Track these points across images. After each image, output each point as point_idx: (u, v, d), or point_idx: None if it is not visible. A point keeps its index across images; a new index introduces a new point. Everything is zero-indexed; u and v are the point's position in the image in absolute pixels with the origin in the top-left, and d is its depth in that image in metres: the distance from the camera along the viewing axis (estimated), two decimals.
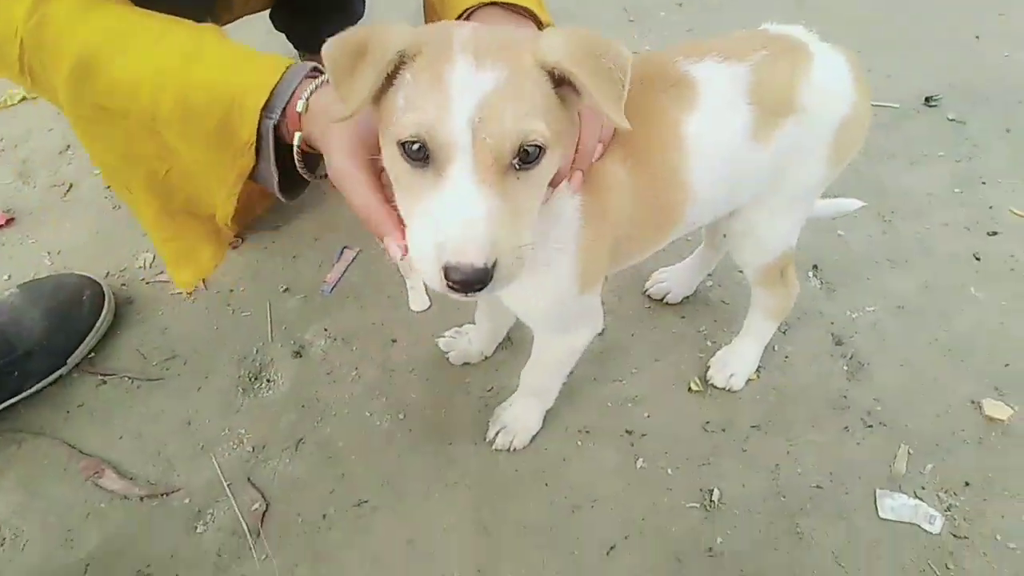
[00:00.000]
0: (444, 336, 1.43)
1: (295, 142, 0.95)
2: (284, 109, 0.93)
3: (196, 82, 0.96)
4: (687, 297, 1.49)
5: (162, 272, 1.58)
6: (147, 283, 1.56)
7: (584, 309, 1.06)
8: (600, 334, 1.40)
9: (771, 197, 1.07)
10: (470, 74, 0.67)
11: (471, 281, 0.67)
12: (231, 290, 1.55)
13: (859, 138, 1.06)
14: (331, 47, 0.70)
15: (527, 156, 0.69)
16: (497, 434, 1.28)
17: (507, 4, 1.07)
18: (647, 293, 1.49)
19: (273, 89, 0.92)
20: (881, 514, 1.18)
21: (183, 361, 1.43)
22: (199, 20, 1.27)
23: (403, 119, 0.69)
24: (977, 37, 2.20)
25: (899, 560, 1.14)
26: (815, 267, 1.55)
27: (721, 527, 1.18)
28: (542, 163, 0.72)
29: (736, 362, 1.35)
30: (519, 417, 1.28)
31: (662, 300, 1.49)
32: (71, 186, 1.79)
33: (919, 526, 1.17)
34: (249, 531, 1.19)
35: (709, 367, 1.37)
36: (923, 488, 1.22)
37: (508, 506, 1.22)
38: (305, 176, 1.00)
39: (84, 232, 1.68)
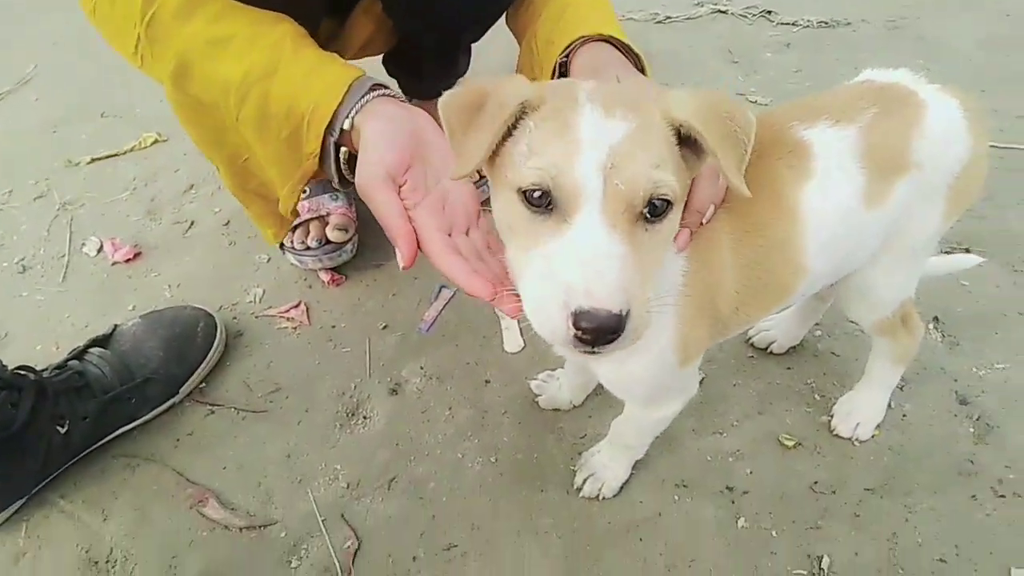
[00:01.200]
0: (536, 379, 1.42)
1: (341, 156, 1.04)
2: (343, 127, 1.02)
3: (273, 95, 1.06)
4: (793, 347, 1.42)
5: (270, 307, 1.65)
6: (256, 317, 1.63)
7: (680, 381, 1.02)
8: (700, 382, 1.37)
9: (885, 254, 1.02)
10: (600, 121, 0.66)
11: (604, 329, 0.62)
12: (332, 326, 1.59)
13: (977, 186, 0.99)
14: (448, 101, 0.71)
15: (655, 209, 0.68)
16: (585, 481, 1.25)
17: (606, 39, 1.07)
18: (750, 342, 1.43)
19: (336, 109, 1.00)
20: None
21: (286, 395, 1.48)
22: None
23: (526, 165, 0.68)
24: None
25: None
26: (936, 319, 1.44)
27: None
28: (669, 217, 0.70)
29: (862, 411, 1.28)
30: (608, 465, 1.24)
31: (766, 349, 1.42)
32: (192, 223, 1.90)
33: None
34: (341, 569, 1.20)
35: (832, 415, 1.30)
36: None
37: (600, 560, 1.17)
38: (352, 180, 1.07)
39: (202, 267, 1.77)
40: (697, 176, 0.81)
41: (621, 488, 1.25)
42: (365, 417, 1.43)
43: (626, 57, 1.12)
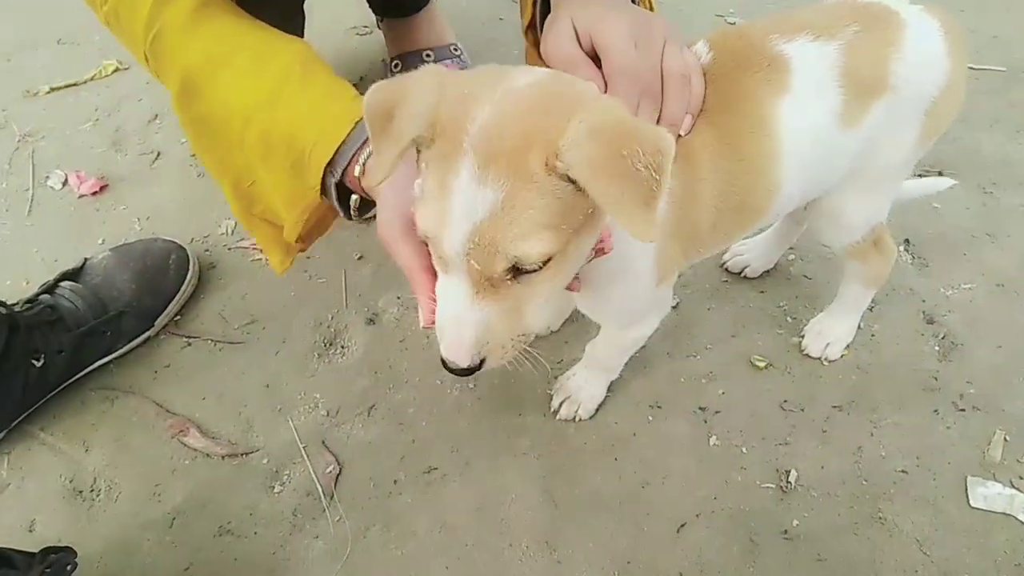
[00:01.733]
0: None
1: (351, 203, 0.97)
2: (345, 168, 0.94)
3: (277, 124, 0.98)
4: (767, 271, 1.43)
5: (243, 239, 1.63)
6: (229, 249, 1.61)
7: (656, 301, 1.03)
8: (675, 307, 1.39)
9: (858, 178, 1.01)
10: (471, 189, 0.64)
11: (460, 373, 0.75)
12: (307, 257, 1.58)
13: (953, 110, 0.98)
14: (368, 102, 0.68)
15: (523, 270, 0.68)
16: (562, 404, 1.27)
17: None
18: (724, 266, 1.44)
19: (339, 147, 0.93)
20: (972, 503, 1.12)
21: (262, 326, 1.48)
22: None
23: (417, 213, 0.70)
24: None
25: (991, 552, 1.08)
26: (907, 241, 1.46)
27: (798, 509, 1.15)
28: (545, 271, 0.69)
29: (832, 331, 1.30)
30: (583, 387, 1.26)
31: (740, 274, 1.44)
32: (159, 154, 1.85)
33: (1015, 517, 1.11)
34: (323, 493, 1.23)
35: (803, 336, 1.33)
36: (1020, 478, 1.15)
37: (577, 478, 1.21)
38: (364, 221, 1.02)
39: (171, 199, 1.74)
40: (667, 88, 0.82)
41: (597, 410, 1.28)
42: (343, 347, 1.43)
43: None
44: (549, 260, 0.68)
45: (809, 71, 0.88)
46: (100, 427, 1.35)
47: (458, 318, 0.72)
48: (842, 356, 1.30)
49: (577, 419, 1.27)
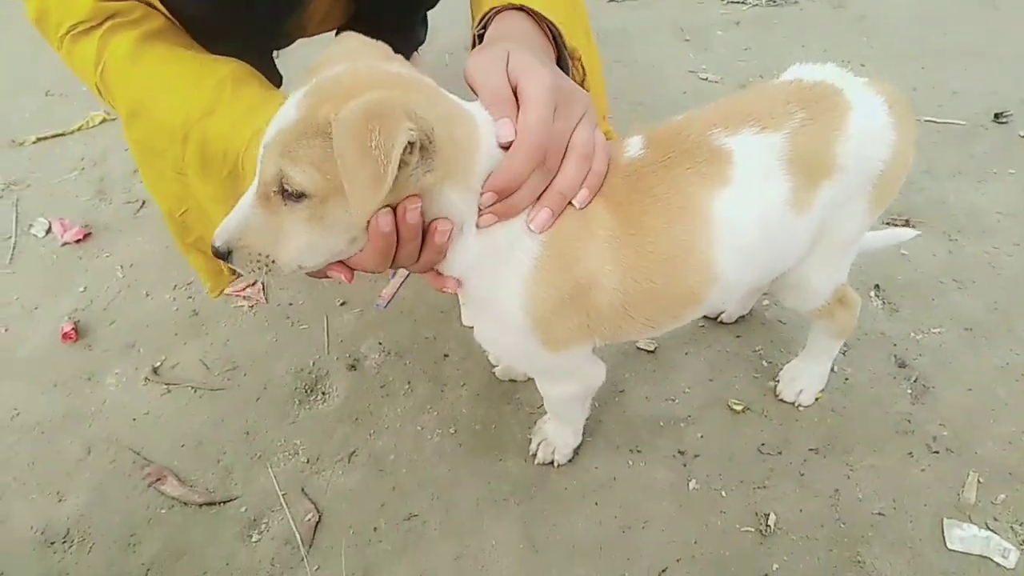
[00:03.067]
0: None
1: None
2: None
3: (211, 135, 1.05)
4: (742, 316, 1.46)
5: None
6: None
7: (566, 366, 1.04)
8: (652, 351, 1.41)
9: (816, 251, 1.03)
10: (288, 107, 0.77)
11: (214, 254, 0.82)
12: (290, 303, 1.59)
13: (900, 177, 1.02)
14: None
15: (288, 193, 0.76)
16: (539, 447, 1.28)
17: (517, 7, 1.03)
18: None
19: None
20: (949, 545, 1.13)
21: (243, 372, 1.48)
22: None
23: None
24: None
25: None
26: (877, 287, 1.50)
27: (777, 553, 1.15)
28: (304, 204, 0.77)
29: (804, 377, 1.32)
30: (558, 433, 1.27)
31: (716, 319, 1.46)
32: (143, 203, 1.87)
33: (991, 559, 1.11)
34: (302, 541, 1.21)
35: (778, 381, 1.35)
36: (995, 520, 1.16)
37: (558, 524, 1.21)
38: None
39: (154, 247, 1.75)
40: (566, 157, 0.86)
41: (575, 454, 1.28)
42: (324, 393, 1.44)
43: (540, 25, 1.05)
44: (306, 198, 0.76)
45: (754, 163, 0.90)
46: (75, 476, 1.33)
47: (236, 209, 0.82)
48: (816, 400, 1.32)
49: (555, 464, 1.27)
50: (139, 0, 1.11)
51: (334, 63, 0.81)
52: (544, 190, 0.86)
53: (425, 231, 0.82)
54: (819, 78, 0.97)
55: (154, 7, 1.12)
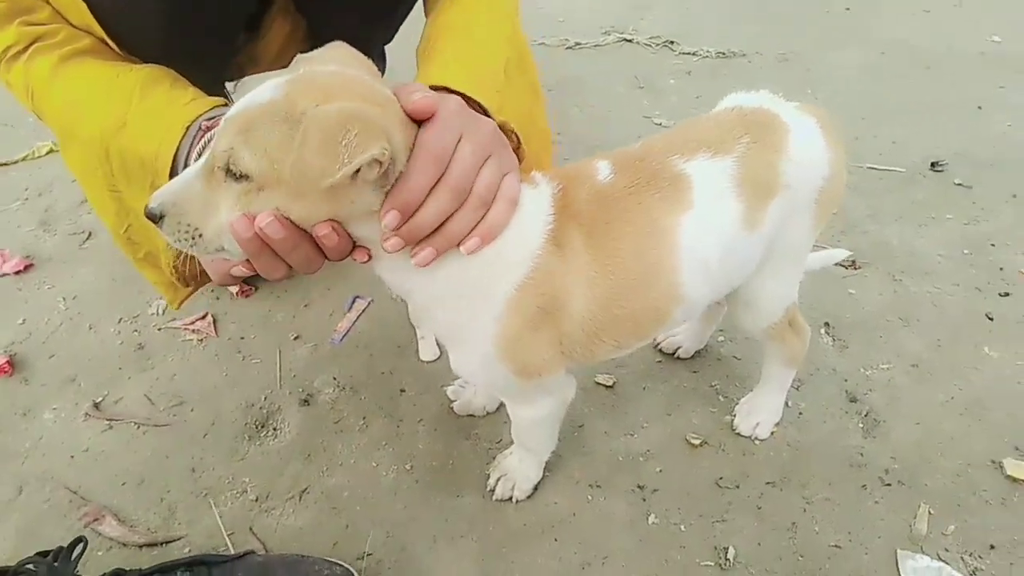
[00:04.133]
0: (452, 385, 1.43)
1: None
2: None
3: (126, 147, 1.05)
4: (698, 352, 1.48)
5: (174, 318, 1.59)
6: (159, 329, 1.57)
7: (539, 387, 1.04)
8: (611, 386, 1.41)
9: (767, 266, 1.08)
10: (264, 88, 0.76)
11: (146, 215, 0.80)
12: (242, 337, 1.55)
13: (839, 193, 1.08)
14: None
15: (230, 171, 0.75)
16: (498, 482, 1.26)
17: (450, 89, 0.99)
18: (658, 347, 1.48)
19: (175, 155, 0.99)
20: None
21: (191, 408, 1.42)
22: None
23: None
24: (979, 107, 2.25)
25: None
26: (827, 324, 1.54)
27: None
28: (240, 186, 0.76)
29: (760, 411, 1.34)
30: (517, 467, 1.25)
31: (673, 354, 1.48)
32: (89, 234, 1.82)
33: None
34: None
35: (734, 415, 1.36)
36: (946, 550, 1.17)
37: (516, 561, 1.18)
38: None
39: (100, 279, 1.70)
40: (464, 203, 0.83)
41: (535, 490, 1.26)
42: (275, 429, 1.39)
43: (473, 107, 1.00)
44: (245, 180, 0.75)
45: (711, 186, 0.94)
46: (4, 516, 1.26)
47: (179, 176, 0.81)
48: (771, 434, 1.33)
49: (514, 499, 1.25)
50: (71, 24, 1.10)
51: (324, 63, 0.81)
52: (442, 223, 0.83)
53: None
54: (756, 104, 1.03)
55: (86, 30, 1.11)
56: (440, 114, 0.81)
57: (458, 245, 0.84)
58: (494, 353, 0.93)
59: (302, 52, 0.88)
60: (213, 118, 1.00)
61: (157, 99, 1.05)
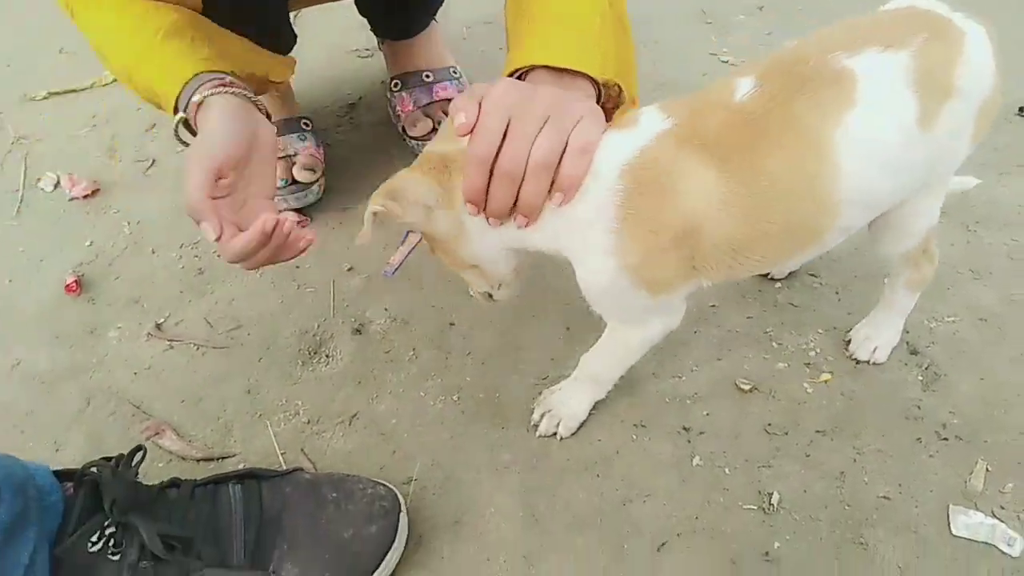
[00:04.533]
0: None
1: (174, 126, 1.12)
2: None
3: (144, 82, 1.17)
4: (793, 272, 1.45)
5: None
6: (218, 255, 1.60)
7: (659, 306, 1.04)
8: None
9: (927, 182, 1.04)
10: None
11: None
12: (296, 266, 1.58)
13: (995, 112, 1.02)
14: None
15: None
16: (543, 417, 1.26)
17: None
18: None
19: (176, 102, 1.10)
20: (954, 531, 1.11)
21: (247, 332, 1.46)
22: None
23: None
24: None
25: None
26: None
27: (779, 532, 1.13)
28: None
29: (879, 335, 1.32)
30: (566, 402, 1.26)
31: (768, 276, 1.46)
32: (153, 162, 1.86)
33: (996, 547, 1.09)
34: None
35: (849, 341, 1.34)
36: (1002, 508, 1.14)
37: (558, 494, 1.19)
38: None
39: (163, 205, 1.74)
40: (526, 176, 0.91)
41: (579, 428, 1.26)
42: (328, 356, 1.42)
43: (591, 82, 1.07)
44: None
45: (881, 81, 0.90)
46: (73, 427, 1.33)
47: None
48: (825, 382, 1.30)
49: (558, 436, 1.26)
50: None
51: None
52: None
53: None
54: (927, 6, 0.98)
55: None
56: (480, 118, 0.90)
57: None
58: (608, 264, 0.94)
59: None
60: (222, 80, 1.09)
61: (170, 50, 1.14)
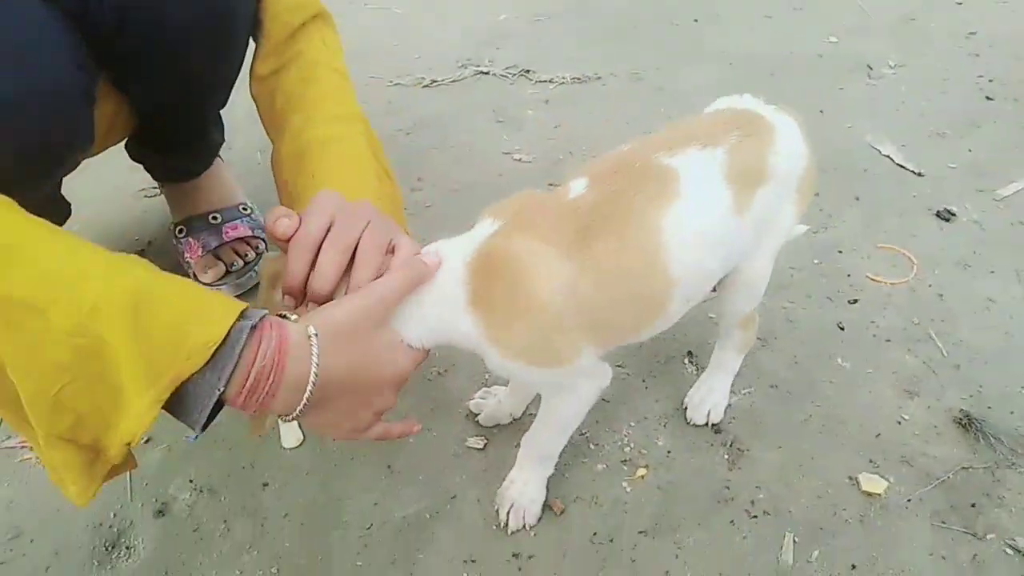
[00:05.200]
0: (473, 399, 1.46)
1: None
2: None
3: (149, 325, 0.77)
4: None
5: (9, 437, 1.46)
6: None
7: (575, 372, 1.07)
8: (481, 449, 1.38)
9: (758, 250, 1.19)
10: None
11: None
12: None
13: (814, 186, 1.20)
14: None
15: None
16: (508, 514, 1.26)
17: None
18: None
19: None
20: None
21: (30, 539, 1.31)
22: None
23: None
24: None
25: None
26: (690, 353, 1.56)
27: None
28: None
29: (712, 398, 1.42)
30: (524, 491, 1.26)
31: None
32: None
33: None
34: None
35: (686, 408, 1.43)
36: None
37: None
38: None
39: None
40: (357, 258, 0.92)
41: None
42: (128, 548, 1.29)
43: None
44: None
45: (700, 176, 1.02)
46: None
47: None
48: (642, 477, 1.34)
49: (526, 527, 1.26)
50: None
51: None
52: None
53: None
54: (743, 106, 1.15)
55: None
56: (307, 213, 0.91)
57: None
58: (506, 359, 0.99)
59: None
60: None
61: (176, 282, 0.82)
